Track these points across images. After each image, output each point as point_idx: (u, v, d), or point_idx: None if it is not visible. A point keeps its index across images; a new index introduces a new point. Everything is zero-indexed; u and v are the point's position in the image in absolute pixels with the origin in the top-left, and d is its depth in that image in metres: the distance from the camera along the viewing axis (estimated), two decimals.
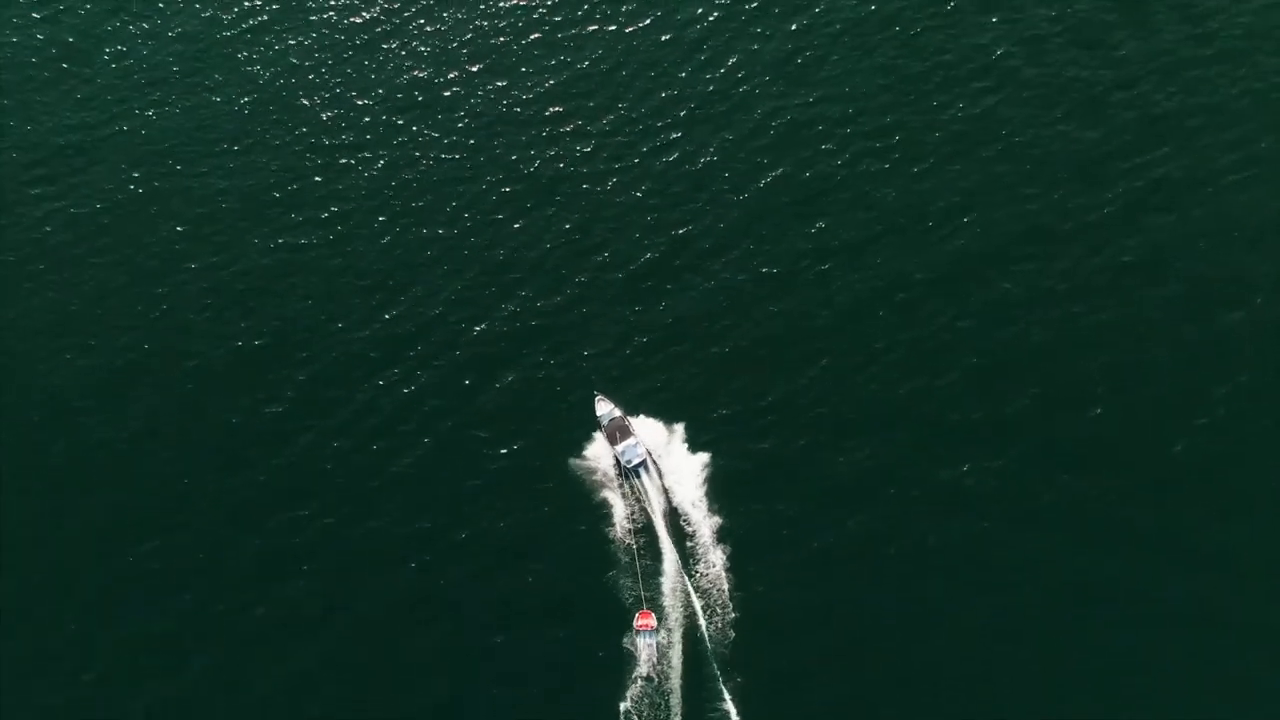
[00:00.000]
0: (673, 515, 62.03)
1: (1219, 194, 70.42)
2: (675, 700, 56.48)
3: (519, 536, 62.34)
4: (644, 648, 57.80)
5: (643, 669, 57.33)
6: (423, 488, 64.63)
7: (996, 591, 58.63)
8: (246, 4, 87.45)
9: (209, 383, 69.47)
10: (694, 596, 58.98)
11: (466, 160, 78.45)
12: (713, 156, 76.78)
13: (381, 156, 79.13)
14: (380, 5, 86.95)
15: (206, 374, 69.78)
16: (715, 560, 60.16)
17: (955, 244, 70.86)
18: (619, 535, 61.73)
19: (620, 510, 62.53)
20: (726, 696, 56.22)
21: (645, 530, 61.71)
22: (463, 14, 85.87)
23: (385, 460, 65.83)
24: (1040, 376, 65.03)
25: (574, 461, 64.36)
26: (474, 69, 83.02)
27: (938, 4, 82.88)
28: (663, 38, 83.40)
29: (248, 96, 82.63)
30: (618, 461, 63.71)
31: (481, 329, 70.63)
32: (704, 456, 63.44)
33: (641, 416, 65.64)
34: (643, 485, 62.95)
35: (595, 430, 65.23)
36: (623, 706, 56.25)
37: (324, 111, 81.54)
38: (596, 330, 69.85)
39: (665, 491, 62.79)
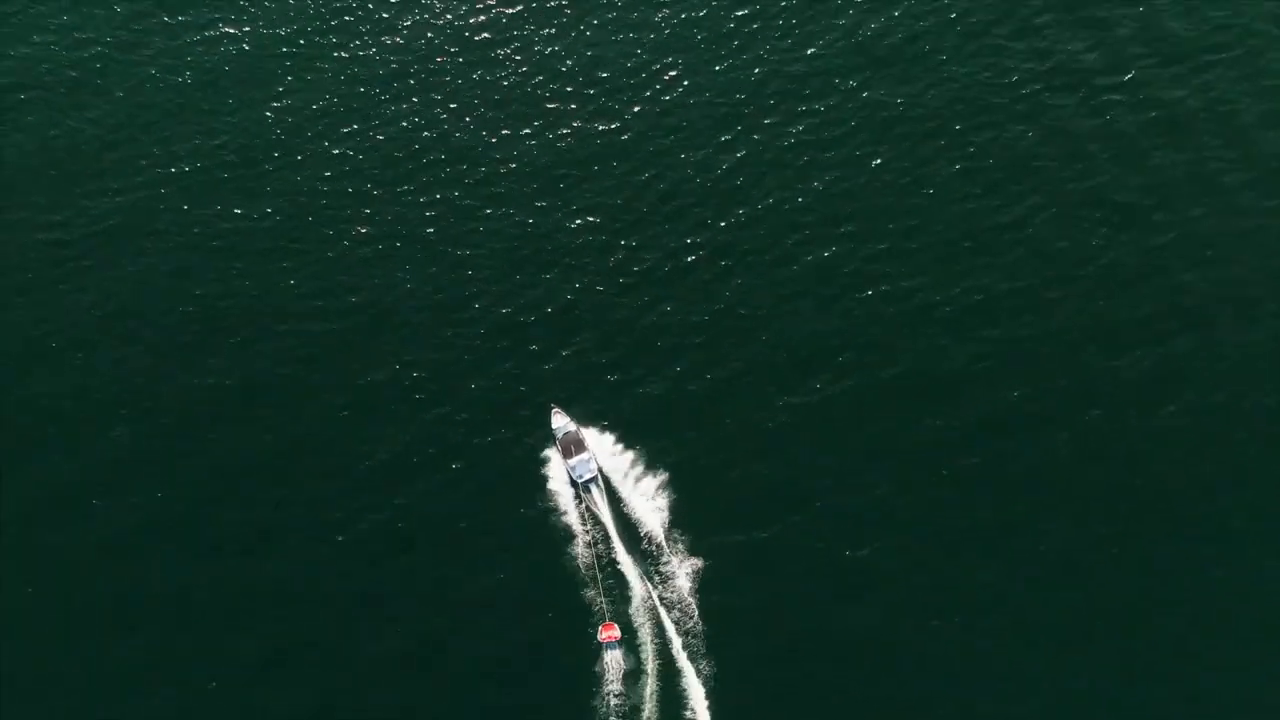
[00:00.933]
0: (627, 528, 64.22)
1: None
2: (649, 712, 58.55)
3: (476, 549, 64.04)
4: (610, 660, 59.66)
5: (611, 681, 59.25)
6: (374, 491, 66.47)
7: (955, 593, 61.02)
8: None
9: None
10: (659, 607, 61.04)
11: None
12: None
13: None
14: None
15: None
16: (675, 570, 62.29)
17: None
18: (577, 549, 63.81)
19: (576, 523, 64.62)
20: (700, 703, 58.45)
21: (602, 543, 63.76)
22: None
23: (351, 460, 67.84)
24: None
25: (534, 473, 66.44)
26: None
27: None
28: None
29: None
30: (570, 477, 65.93)
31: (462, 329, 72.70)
32: (661, 468, 65.77)
33: (596, 430, 67.74)
34: (594, 499, 65.19)
35: (552, 443, 67.34)
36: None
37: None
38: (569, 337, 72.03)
39: (619, 503, 64.96)
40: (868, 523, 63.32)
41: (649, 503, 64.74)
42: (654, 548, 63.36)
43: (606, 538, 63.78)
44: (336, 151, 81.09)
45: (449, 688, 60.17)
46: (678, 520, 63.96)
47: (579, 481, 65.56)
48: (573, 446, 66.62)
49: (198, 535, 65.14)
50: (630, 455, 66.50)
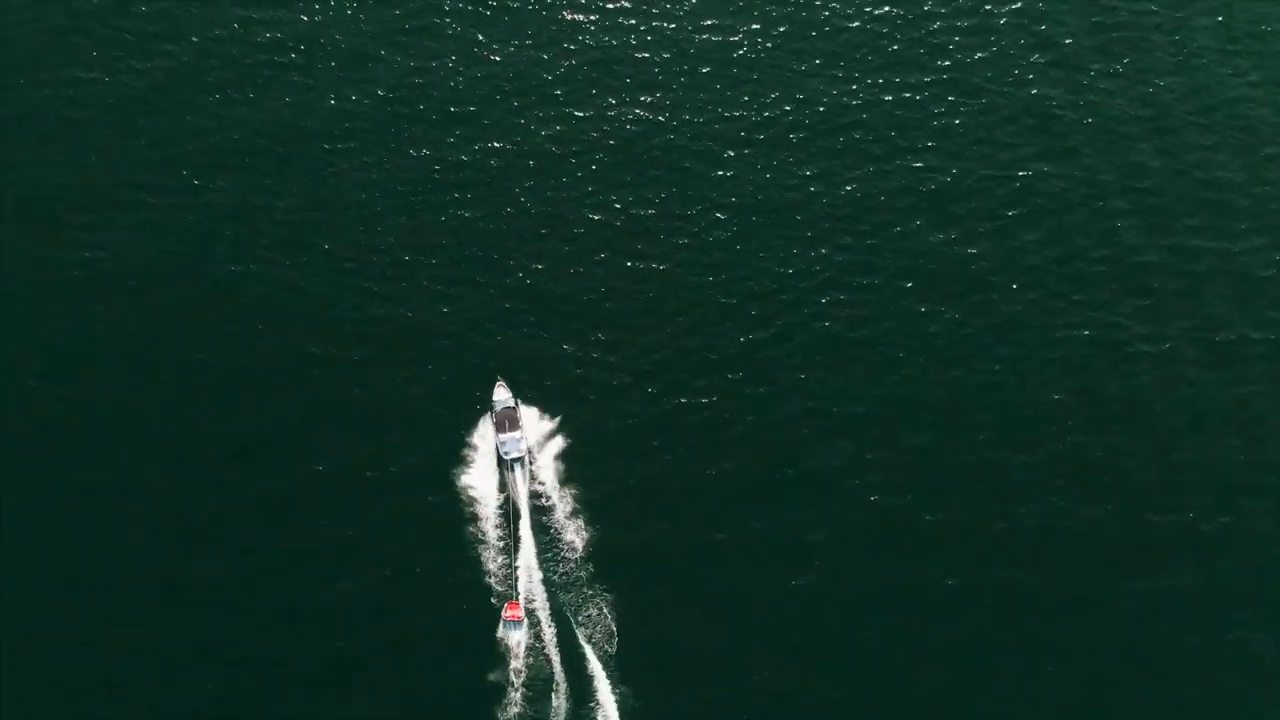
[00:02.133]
0: (541, 510, 64.67)
1: None
2: (553, 693, 58.94)
3: (383, 515, 64.32)
4: (514, 639, 60.10)
5: (514, 660, 59.66)
6: (294, 459, 66.48)
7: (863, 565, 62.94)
8: None
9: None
10: (558, 591, 61.81)
11: None
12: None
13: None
14: None
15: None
16: (576, 554, 62.98)
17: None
18: (489, 525, 64.17)
19: (491, 503, 64.90)
20: (604, 685, 59.08)
21: (514, 522, 64.01)
22: None
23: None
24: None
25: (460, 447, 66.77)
26: None
27: None
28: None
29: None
30: (497, 453, 65.91)
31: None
32: (577, 452, 66.48)
33: (535, 411, 67.92)
34: (515, 479, 65.21)
35: (487, 413, 67.30)
36: (498, 699, 58.58)
37: None
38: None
39: (537, 484, 65.42)
40: (792, 550, 63.82)
41: (562, 489, 65.35)
42: (561, 534, 63.95)
43: (518, 518, 63.92)
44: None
45: (347, 660, 60.28)
46: (586, 509, 64.75)
47: (505, 458, 65.55)
48: (507, 422, 66.70)
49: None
50: (559, 441, 66.72)
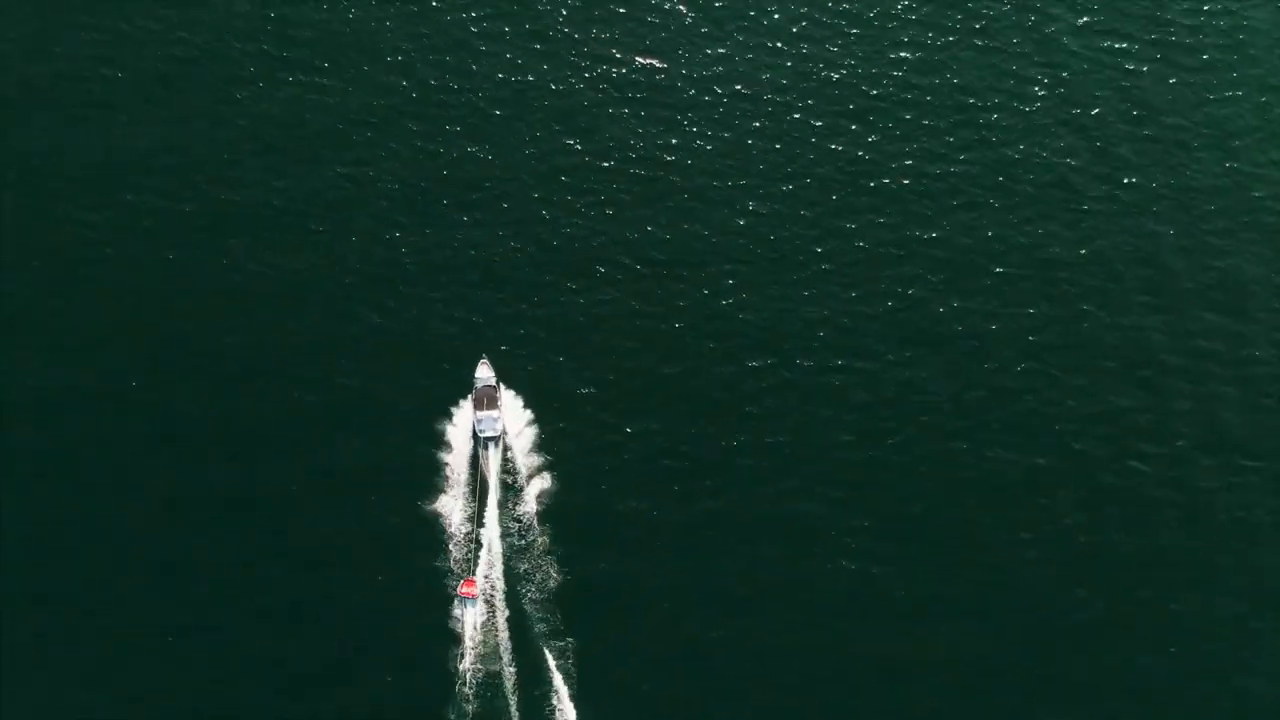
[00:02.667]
0: (509, 491, 64.19)
1: None
2: (502, 671, 58.33)
3: (353, 484, 63.88)
4: (467, 615, 59.45)
5: (465, 637, 59.03)
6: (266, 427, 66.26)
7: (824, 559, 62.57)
8: None
9: None
10: (518, 574, 61.22)
11: None
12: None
13: None
14: None
15: None
16: (539, 537, 62.39)
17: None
18: (457, 501, 63.60)
19: (462, 479, 64.24)
20: (555, 667, 58.44)
21: (482, 500, 63.53)
22: None
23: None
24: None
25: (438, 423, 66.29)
26: None
27: None
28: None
29: None
30: (473, 429, 65.30)
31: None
32: (551, 439, 65.88)
33: (514, 393, 67.39)
34: (488, 458, 64.58)
35: (468, 392, 66.74)
36: (450, 674, 58.01)
37: None
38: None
39: (509, 465, 64.91)
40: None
41: (535, 476, 64.71)
42: (526, 515, 63.43)
43: (486, 496, 63.52)
44: None
45: (302, 628, 59.94)
46: (554, 494, 64.21)
47: (480, 436, 64.98)
48: (485, 400, 66.16)
49: None
50: (536, 429, 66.37)
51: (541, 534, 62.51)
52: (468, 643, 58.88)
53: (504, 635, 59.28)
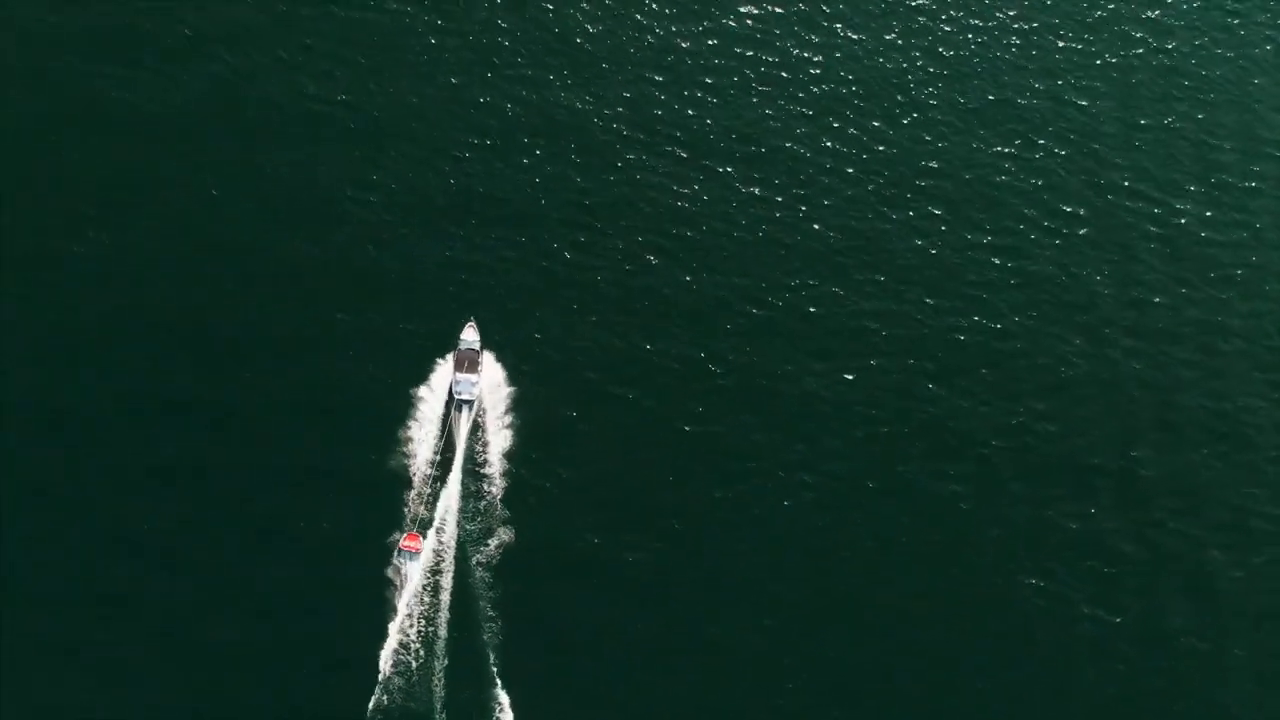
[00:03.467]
0: (474, 454, 63.99)
1: None
2: (438, 633, 58.12)
3: (323, 432, 63.63)
4: (407, 569, 59.15)
5: (403, 591, 58.68)
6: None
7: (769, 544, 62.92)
8: None
9: None
10: (466, 541, 60.99)
11: None
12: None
13: None
14: None
15: None
16: (495, 504, 62.23)
17: None
18: (421, 458, 63.27)
19: (431, 435, 63.97)
20: (488, 631, 58.33)
21: (445, 463, 63.31)
22: None
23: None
24: None
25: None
26: None
27: None
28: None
29: None
30: (450, 389, 65.04)
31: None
32: (524, 410, 65.68)
33: (495, 358, 67.20)
34: (460, 420, 64.38)
35: (449, 352, 66.52)
36: (386, 628, 57.68)
37: None
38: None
39: (479, 431, 64.61)
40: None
41: (502, 444, 64.57)
42: (487, 481, 63.27)
43: (451, 457, 63.27)
44: None
45: (245, 562, 59.67)
46: (520, 468, 63.94)
47: (456, 398, 64.78)
48: (466, 363, 66.01)
49: None
50: (510, 399, 66.14)
51: (500, 500, 62.29)
52: (403, 596, 58.47)
53: (445, 595, 59.01)
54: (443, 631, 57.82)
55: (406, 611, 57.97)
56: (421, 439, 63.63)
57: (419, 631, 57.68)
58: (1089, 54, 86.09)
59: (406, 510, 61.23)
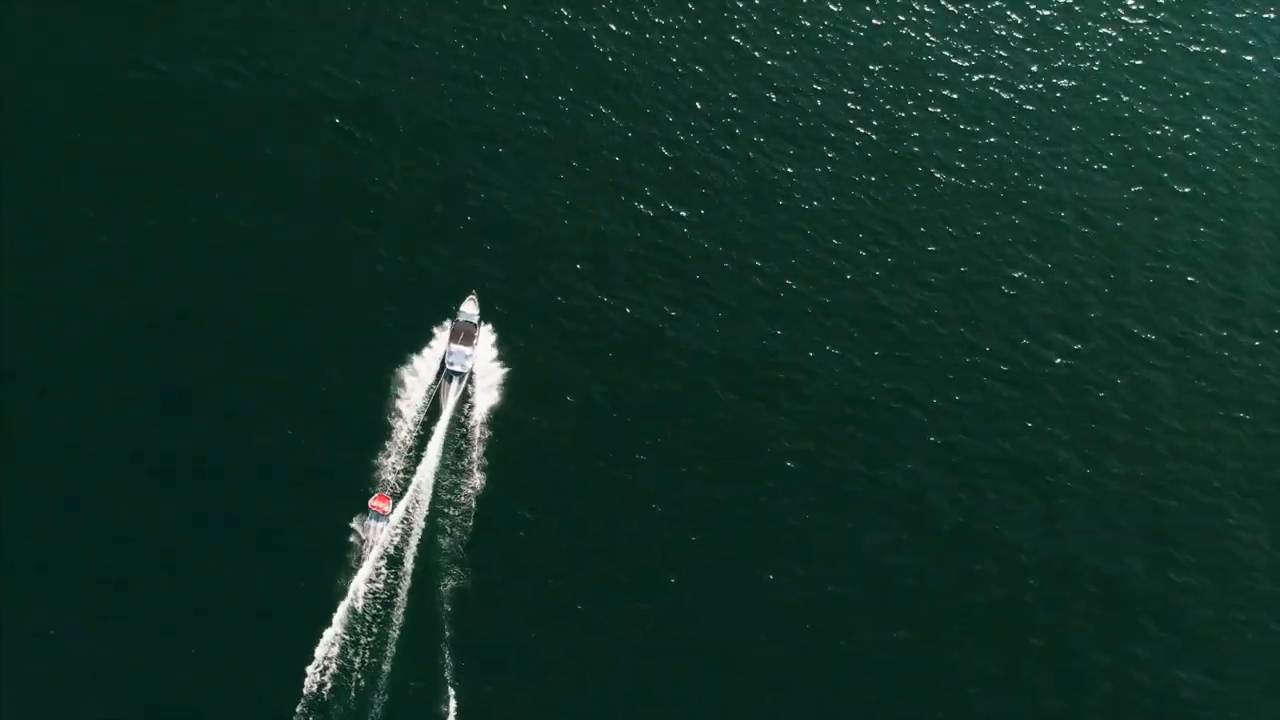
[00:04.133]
0: (458, 427, 64.44)
1: None
2: (398, 595, 58.70)
3: (309, 395, 64.11)
4: (372, 530, 59.54)
5: (367, 551, 59.10)
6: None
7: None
8: None
9: None
10: (439, 507, 61.55)
11: None
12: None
13: None
14: None
15: None
16: (470, 477, 62.68)
17: None
18: (404, 423, 63.74)
19: (417, 402, 64.44)
20: (444, 601, 58.90)
21: (428, 431, 63.79)
22: None
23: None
24: None
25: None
26: None
27: None
28: None
29: None
30: (443, 359, 65.42)
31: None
32: (515, 389, 65.98)
33: (492, 332, 67.64)
34: (449, 390, 64.81)
35: (448, 320, 66.88)
36: (344, 586, 58.06)
37: None
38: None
39: (466, 403, 65.08)
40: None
41: (487, 420, 64.91)
42: (465, 455, 63.69)
43: (433, 427, 63.65)
44: None
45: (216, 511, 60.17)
46: (502, 445, 64.29)
47: (448, 368, 65.17)
48: (463, 335, 66.36)
49: None
50: (502, 376, 66.49)
51: (477, 474, 62.77)
52: (367, 556, 58.89)
53: (409, 560, 59.53)
54: (401, 600, 58.43)
55: (366, 576, 58.51)
56: (407, 405, 64.01)
57: (375, 600, 58.30)
58: None
59: (379, 472, 61.69)
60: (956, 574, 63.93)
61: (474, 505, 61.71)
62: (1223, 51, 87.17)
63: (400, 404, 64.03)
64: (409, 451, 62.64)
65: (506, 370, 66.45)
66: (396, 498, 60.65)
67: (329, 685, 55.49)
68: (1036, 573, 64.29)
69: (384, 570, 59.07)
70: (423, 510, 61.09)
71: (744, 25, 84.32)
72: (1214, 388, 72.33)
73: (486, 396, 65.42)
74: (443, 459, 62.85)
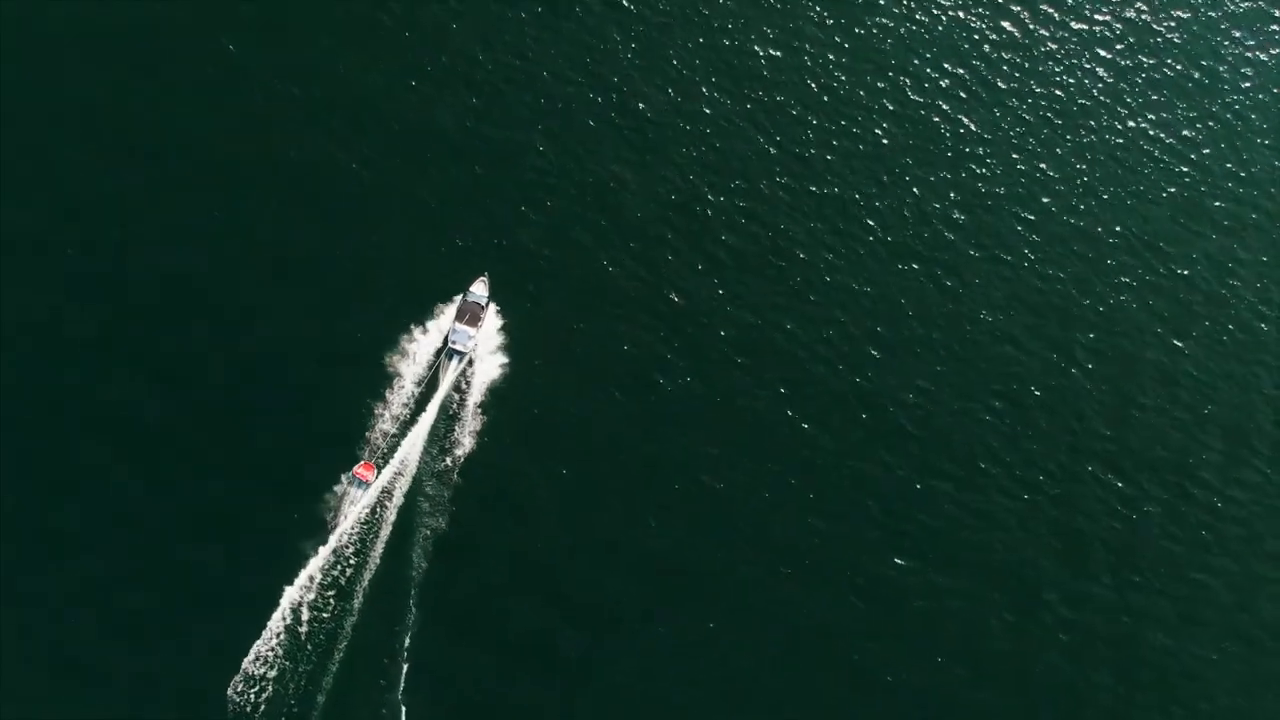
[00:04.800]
0: (452, 408, 64.50)
1: None
2: (371, 559, 58.86)
3: (311, 351, 64.58)
4: (353, 495, 59.47)
5: (344, 516, 59.01)
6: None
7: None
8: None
9: None
10: (422, 478, 61.78)
11: None
12: None
13: None
14: None
15: None
16: (460, 455, 62.63)
17: None
18: (399, 394, 63.55)
19: (414, 375, 64.50)
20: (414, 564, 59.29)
21: (422, 406, 63.73)
22: None
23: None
24: None
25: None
26: None
27: None
28: None
29: None
30: (446, 337, 64.90)
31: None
32: (514, 375, 65.74)
33: (499, 315, 67.58)
34: (448, 368, 64.60)
35: (456, 297, 66.69)
36: (318, 548, 58.11)
37: None
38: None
39: (463, 383, 65.11)
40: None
41: (483, 403, 64.74)
42: (456, 435, 63.53)
43: (428, 403, 63.65)
44: None
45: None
46: (495, 428, 63.98)
47: (450, 346, 64.85)
48: (469, 315, 66.07)
49: None
50: (504, 361, 66.44)
51: (465, 452, 62.61)
52: (343, 522, 58.60)
53: (385, 531, 59.45)
54: (374, 563, 57.33)
55: (338, 539, 57.73)
56: (406, 378, 63.68)
57: (350, 555, 57.99)
58: None
59: (373, 441, 61.70)
60: None
61: (457, 478, 61.70)
62: None
63: (397, 379, 64.06)
64: (399, 423, 62.59)
65: (506, 356, 66.26)
66: (380, 466, 59.71)
67: (287, 645, 55.44)
68: None
69: (358, 533, 58.91)
70: (406, 481, 61.11)
71: None
72: None
73: (484, 375, 65.06)
74: (432, 433, 62.52)
